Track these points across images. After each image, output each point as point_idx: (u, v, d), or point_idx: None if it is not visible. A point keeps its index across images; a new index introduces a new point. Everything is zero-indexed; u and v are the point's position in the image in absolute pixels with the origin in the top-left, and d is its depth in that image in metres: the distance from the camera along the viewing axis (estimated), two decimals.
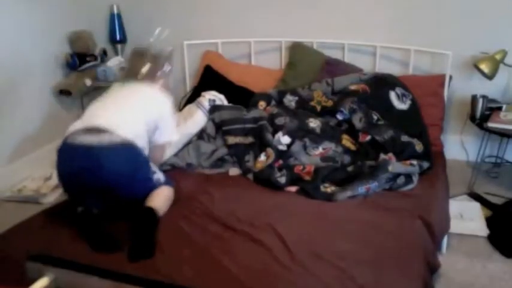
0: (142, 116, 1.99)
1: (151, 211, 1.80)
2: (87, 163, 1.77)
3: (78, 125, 1.89)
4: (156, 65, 2.22)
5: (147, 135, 2.00)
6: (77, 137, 1.82)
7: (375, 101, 2.57)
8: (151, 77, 2.19)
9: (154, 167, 2.03)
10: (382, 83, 2.68)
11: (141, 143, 1.93)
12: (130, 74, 2.22)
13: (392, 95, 2.60)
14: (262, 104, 2.75)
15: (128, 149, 1.85)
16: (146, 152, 2.00)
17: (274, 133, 2.42)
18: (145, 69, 2.18)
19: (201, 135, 2.50)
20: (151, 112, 2.04)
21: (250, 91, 2.89)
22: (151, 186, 1.93)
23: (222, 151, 2.42)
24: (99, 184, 1.78)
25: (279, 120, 2.50)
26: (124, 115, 1.94)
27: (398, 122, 2.50)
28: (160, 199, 1.90)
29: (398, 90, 2.63)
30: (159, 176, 2.01)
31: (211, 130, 2.52)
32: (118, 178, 1.80)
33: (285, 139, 2.38)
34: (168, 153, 2.33)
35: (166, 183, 2.01)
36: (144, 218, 1.77)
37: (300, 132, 2.40)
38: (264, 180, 2.19)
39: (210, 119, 2.54)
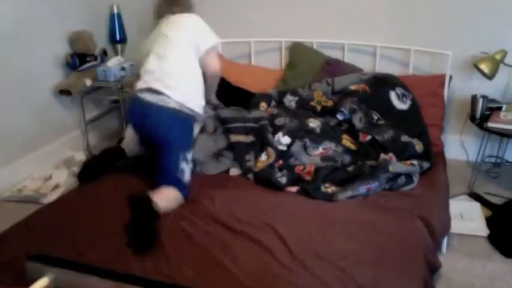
0: (189, 54, 2.26)
1: (148, 202, 1.87)
2: (144, 114, 2.17)
3: (143, 84, 2.21)
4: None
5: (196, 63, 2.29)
6: (142, 94, 2.18)
7: (375, 101, 2.58)
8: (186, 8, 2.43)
9: (188, 155, 2.16)
10: (382, 83, 2.68)
11: (194, 99, 2.24)
12: (163, 9, 2.46)
13: (393, 95, 2.60)
14: (263, 105, 2.75)
15: (177, 117, 2.16)
16: (199, 81, 2.30)
17: (274, 133, 2.42)
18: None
19: (202, 130, 2.50)
20: (192, 39, 2.28)
21: (248, 91, 2.88)
22: (175, 171, 2.08)
23: (222, 144, 2.42)
24: (149, 132, 2.19)
25: (279, 121, 2.50)
26: (176, 72, 2.22)
27: (399, 122, 2.50)
28: (165, 197, 1.97)
29: (399, 90, 2.62)
30: (184, 167, 2.11)
31: (210, 127, 2.52)
32: (161, 135, 2.14)
33: (285, 139, 2.38)
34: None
35: (182, 187, 2.06)
36: (140, 209, 1.85)
37: (299, 133, 2.40)
38: (265, 180, 2.19)
39: (212, 116, 2.54)
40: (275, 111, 2.62)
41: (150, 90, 2.17)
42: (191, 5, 2.49)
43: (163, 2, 2.48)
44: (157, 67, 2.22)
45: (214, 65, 2.35)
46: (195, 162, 2.31)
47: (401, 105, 2.59)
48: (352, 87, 2.66)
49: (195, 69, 2.28)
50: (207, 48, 2.29)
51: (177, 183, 2.04)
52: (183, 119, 2.19)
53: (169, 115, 2.14)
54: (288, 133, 2.39)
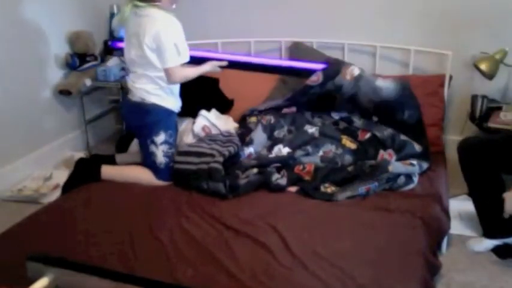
0: (148, 56, 2.19)
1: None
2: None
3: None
4: None
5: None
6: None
7: None
8: None
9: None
10: None
11: (156, 95, 2.28)
12: None
13: None
14: (253, 119, 2.66)
15: (139, 108, 2.29)
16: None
17: (274, 145, 2.41)
18: None
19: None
20: (152, 43, 2.17)
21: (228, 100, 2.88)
22: (145, 153, 2.30)
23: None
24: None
25: (278, 133, 2.48)
26: (138, 73, 2.27)
27: (396, 124, 2.48)
28: (125, 172, 2.33)
29: None
30: (155, 151, 2.25)
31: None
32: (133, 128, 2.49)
33: (286, 150, 2.37)
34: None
35: (156, 170, 2.26)
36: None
37: (300, 143, 2.39)
38: (265, 184, 2.17)
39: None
40: (272, 120, 2.57)
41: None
42: None
43: None
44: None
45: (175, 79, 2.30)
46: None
47: None
48: None
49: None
50: (166, 67, 2.23)
51: (152, 166, 2.28)
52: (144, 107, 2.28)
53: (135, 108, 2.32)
54: (288, 145, 2.39)
